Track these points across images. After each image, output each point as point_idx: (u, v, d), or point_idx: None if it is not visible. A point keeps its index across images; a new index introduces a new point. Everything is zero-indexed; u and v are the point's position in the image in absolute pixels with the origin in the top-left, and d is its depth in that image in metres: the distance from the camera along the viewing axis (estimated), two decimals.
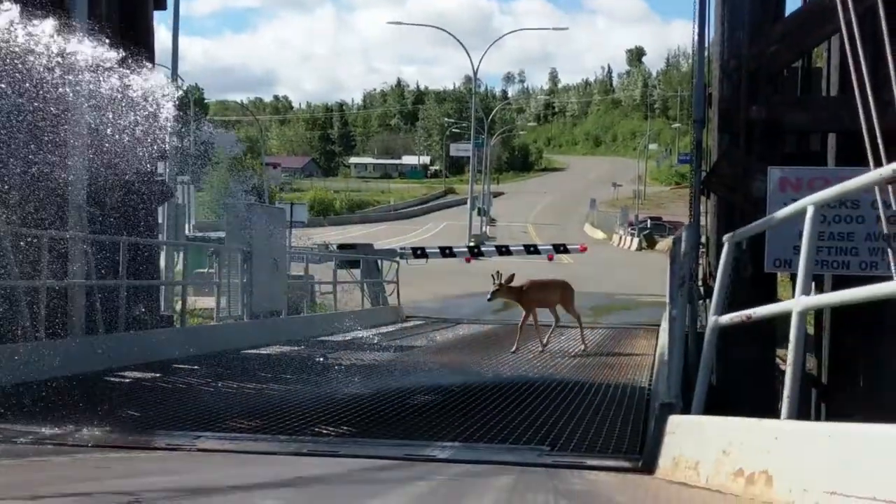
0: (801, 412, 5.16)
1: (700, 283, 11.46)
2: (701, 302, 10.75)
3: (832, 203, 8.84)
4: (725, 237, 6.78)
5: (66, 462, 6.38)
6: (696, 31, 10.74)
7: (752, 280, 9.57)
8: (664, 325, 13.51)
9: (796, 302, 4.80)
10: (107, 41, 10.61)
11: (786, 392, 4.84)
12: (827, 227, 8.89)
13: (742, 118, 10.05)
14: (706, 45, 11.17)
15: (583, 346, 14.76)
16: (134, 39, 12.70)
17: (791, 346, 4.82)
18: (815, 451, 3.76)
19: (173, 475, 5.71)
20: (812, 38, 10.41)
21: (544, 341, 14.69)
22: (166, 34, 23.97)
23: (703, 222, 11.74)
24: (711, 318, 6.66)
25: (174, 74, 20.55)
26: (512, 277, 14.44)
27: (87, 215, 11.31)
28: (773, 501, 3.96)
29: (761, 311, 5.79)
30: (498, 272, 14.49)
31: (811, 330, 12.75)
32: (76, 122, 10.97)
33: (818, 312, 12.34)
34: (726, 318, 6.30)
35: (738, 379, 10.03)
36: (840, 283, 11.16)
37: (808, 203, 5.03)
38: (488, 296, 14.54)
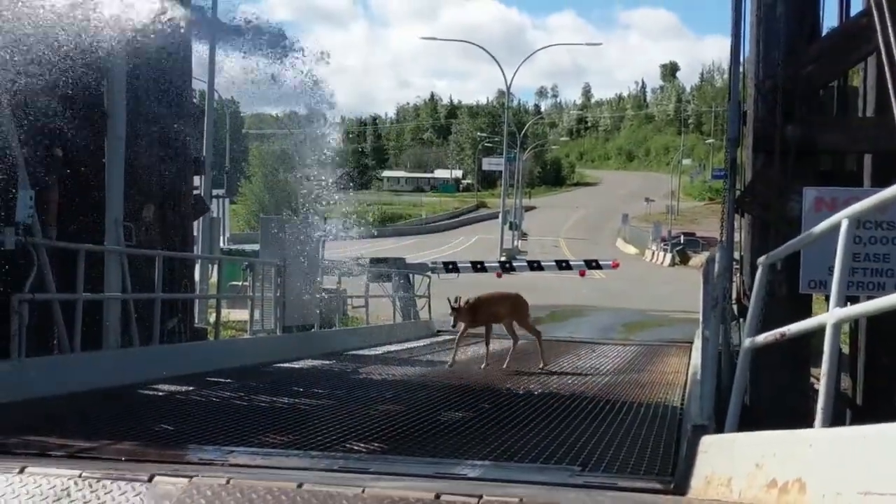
0: None
1: (734, 301, 11.41)
2: (734, 322, 10.70)
3: (868, 224, 8.84)
4: (760, 260, 6.76)
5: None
6: (732, 50, 10.72)
7: (787, 301, 9.52)
8: (697, 343, 13.44)
9: (830, 314, 4.79)
10: None
11: (820, 404, 4.83)
12: (862, 248, 8.83)
13: (777, 138, 10.02)
14: (741, 62, 11.15)
15: (542, 364, 13.94)
16: (171, 55, 12.88)
17: (825, 357, 4.80)
18: (849, 454, 3.73)
19: None
20: (848, 58, 10.36)
21: (504, 363, 13.98)
22: (202, 48, 24.20)
23: (736, 239, 11.69)
24: (746, 340, 6.64)
25: (210, 88, 20.80)
26: (469, 301, 13.88)
27: (124, 229, 11.43)
28: None
29: (795, 327, 5.77)
30: (457, 297, 13.94)
31: (846, 350, 12.66)
32: (113, 135, 11.12)
33: (853, 333, 12.25)
34: (760, 338, 6.28)
35: (772, 400, 9.97)
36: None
37: (842, 217, 5.05)
38: (452, 322, 14.15)
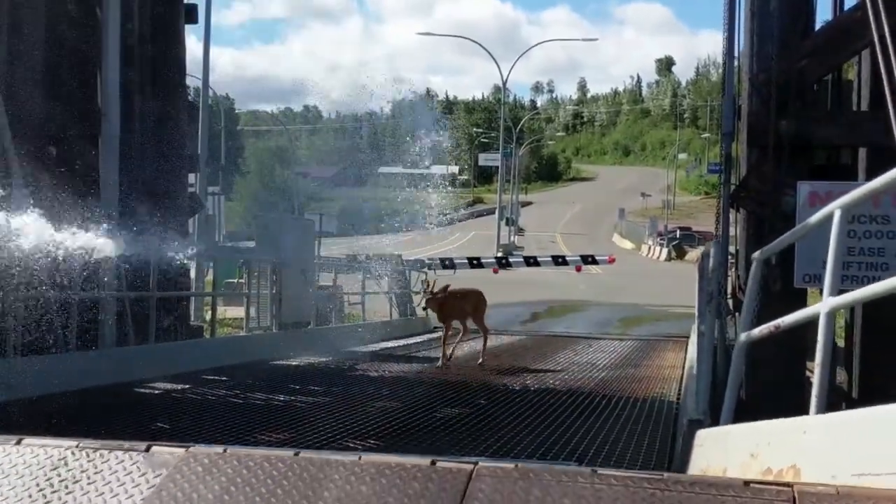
0: None
1: (729, 296, 11.42)
2: (730, 317, 10.70)
3: (862, 218, 8.84)
4: (754, 255, 6.76)
5: None
6: (726, 45, 10.71)
7: (782, 295, 9.52)
8: (693, 338, 13.46)
9: (824, 303, 4.81)
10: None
11: (814, 392, 4.83)
12: (857, 242, 8.83)
13: (771, 132, 10.02)
14: (736, 57, 11.15)
15: (481, 360, 13.89)
16: (165, 52, 12.87)
17: (819, 347, 4.81)
18: (843, 437, 3.73)
19: None
20: (842, 52, 10.36)
21: (448, 353, 13.89)
22: (196, 45, 24.19)
23: (732, 233, 11.70)
24: (741, 335, 6.64)
25: (205, 86, 20.78)
26: (445, 288, 13.81)
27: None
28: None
29: (790, 318, 5.78)
30: (427, 281, 14.05)
31: (842, 344, 12.66)
32: (107, 134, 11.11)
33: (849, 327, 12.26)
34: (755, 332, 6.29)
35: (768, 394, 9.97)
36: (871, 302, 11.09)
37: (835, 207, 5.06)
38: (422, 304, 14.21)
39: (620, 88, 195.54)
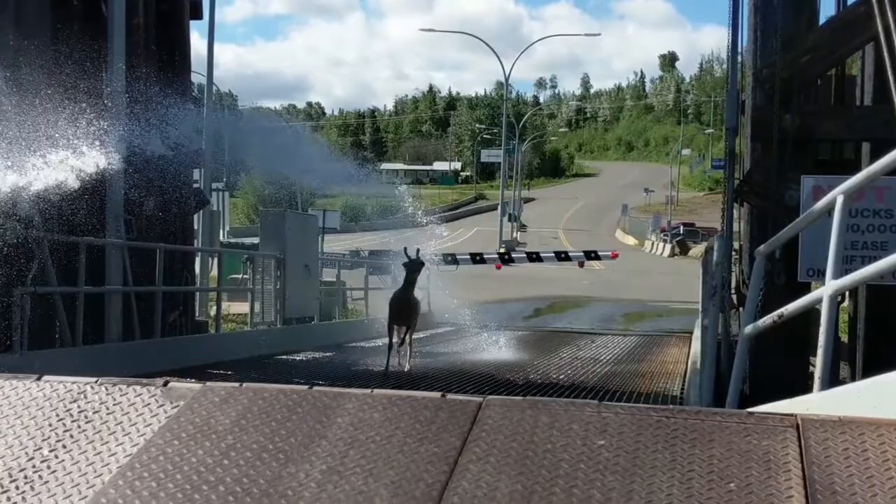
0: None
1: (733, 291, 11.44)
2: (733, 311, 10.73)
3: (865, 211, 8.86)
4: (757, 251, 6.79)
5: None
6: (730, 40, 10.73)
7: (786, 290, 9.53)
8: (696, 333, 13.49)
9: (827, 286, 4.85)
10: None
11: (817, 373, 4.88)
12: (860, 237, 8.85)
13: (775, 127, 10.02)
14: (739, 52, 11.17)
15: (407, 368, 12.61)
16: (170, 49, 12.90)
17: (822, 328, 4.85)
18: (845, 406, 3.77)
19: None
20: (846, 47, 10.37)
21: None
22: (200, 41, 24.24)
23: (736, 228, 11.71)
24: (745, 329, 6.67)
25: (209, 82, 20.78)
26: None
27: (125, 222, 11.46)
28: None
29: (793, 306, 5.82)
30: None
31: (845, 339, 12.69)
32: (113, 131, 11.14)
33: (853, 321, 12.29)
34: (759, 323, 6.33)
35: (771, 387, 9.99)
36: (874, 295, 11.12)
37: (837, 193, 5.12)
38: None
39: (624, 84, 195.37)
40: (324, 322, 17.99)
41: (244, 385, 3.81)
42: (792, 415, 3.37)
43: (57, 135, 10.36)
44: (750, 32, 10.58)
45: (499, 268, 34.86)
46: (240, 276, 18.41)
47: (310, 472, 3.23)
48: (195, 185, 15.20)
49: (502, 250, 42.92)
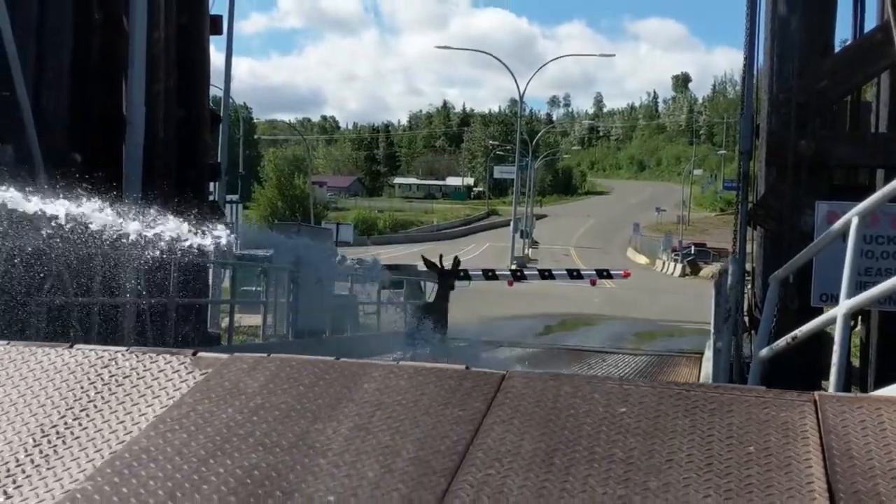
0: None
1: (745, 313, 11.45)
2: (745, 334, 10.73)
3: (880, 238, 8.88)
4: (771, 277, 6.82)
5: None
6: (746, 63, 10.78)
7: (799, 314, 9.55)
8: (707, 354, 13.48)
9: (841, 305, 4.89)
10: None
11: (831, 389, 4.90)
12: (875, 263, 8.87)
13: (790, 152, 10.05)
14: (754, 76, 11.21)
15: None
16: (191, 64, 13.02)
17: (836, 346, 4.88)
18: None
19: None
20: (862, 74, 10.41)
21: None
22: (217, 56, 24.39)
23: (749, 250, 11.73)
24: (760, 352, 6.69)
25: (226, 96, 20.93)
26: None
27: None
28: None
29: (807, 327, 5.85)
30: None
31: (857, 363, 12.67)
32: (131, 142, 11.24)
33: (864, 346, 12.27)
34: (774, 346, 6.36)
35: None
36: (886, 321, 11.11)
37: (852, 214, 5.18)
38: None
39: (636, 104, 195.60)
40: (335, 335, 18.03)
41: (271, 355, 3.93)
42: (810, 392, 3.45)
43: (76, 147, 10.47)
44: (766, 57, 10.63)
45: (511, 284, 34.88)
46: (253, 288, 18.50)
47: (337, 428, 3.32)
48: (210, 198, 15.31)
49: (514, 267, 42.96)
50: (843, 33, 14.58)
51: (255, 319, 17.66)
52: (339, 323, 19.09)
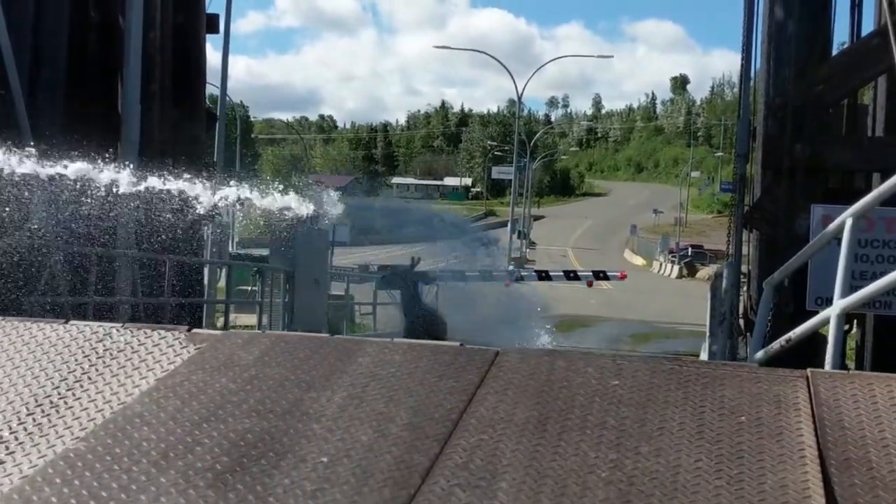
0: None
1: (740, 316, 11.44)
2: (741, 337, 10.72)
3: (875, 242, 8.87)
4: (766, 281, 6.82)
5: None
6: (743, 68, 10.78)
7: (794, 317, 9.54)
8: (703, 356, 13.46)
9: (834, 305, 4.89)
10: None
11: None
12: (869, 267, 8.85)
13: (786, 155, 10.06)
14: (751, 79, 11.21)
15: None
16: (187, 63, 13.00)
17: (829, 346, 4.88)
18: None
19: None
20: (859, 78, 10.41)
21: None
22: (214, 55, 24.37)
23: (745, 252, 11.72)
24: (755, 355, 6.68)
25: (223, 95, 20.90)
26: None
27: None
28: None
29: (801, 329, 5.85)
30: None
31: (852, 366, 12.66)
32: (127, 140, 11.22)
33: (860, 351, 12.27)
34: (768, 348, 6.36)
35: None
36: (881, 324, 11.11)
37: (846, 216, 5.19)
38: None
39: (634, 105, 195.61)
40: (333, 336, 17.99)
41: (266, 332, 3.99)
42: (802, 369, 3.50)
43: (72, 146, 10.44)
44: (763, 61, 10.62)
45: (508, 285, 34.80)
46: (248, 288, 18.48)
47: (331, 397, 3.39)
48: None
49: (511, 268, 42.89)
50: (840, 37, 14.58)
51: (251, 319, 17.65)
52: (335, 324, 19.09)
